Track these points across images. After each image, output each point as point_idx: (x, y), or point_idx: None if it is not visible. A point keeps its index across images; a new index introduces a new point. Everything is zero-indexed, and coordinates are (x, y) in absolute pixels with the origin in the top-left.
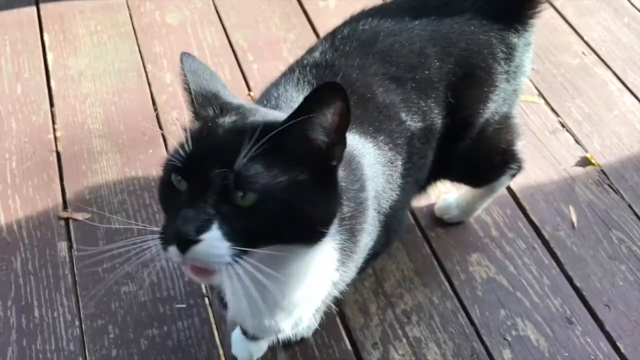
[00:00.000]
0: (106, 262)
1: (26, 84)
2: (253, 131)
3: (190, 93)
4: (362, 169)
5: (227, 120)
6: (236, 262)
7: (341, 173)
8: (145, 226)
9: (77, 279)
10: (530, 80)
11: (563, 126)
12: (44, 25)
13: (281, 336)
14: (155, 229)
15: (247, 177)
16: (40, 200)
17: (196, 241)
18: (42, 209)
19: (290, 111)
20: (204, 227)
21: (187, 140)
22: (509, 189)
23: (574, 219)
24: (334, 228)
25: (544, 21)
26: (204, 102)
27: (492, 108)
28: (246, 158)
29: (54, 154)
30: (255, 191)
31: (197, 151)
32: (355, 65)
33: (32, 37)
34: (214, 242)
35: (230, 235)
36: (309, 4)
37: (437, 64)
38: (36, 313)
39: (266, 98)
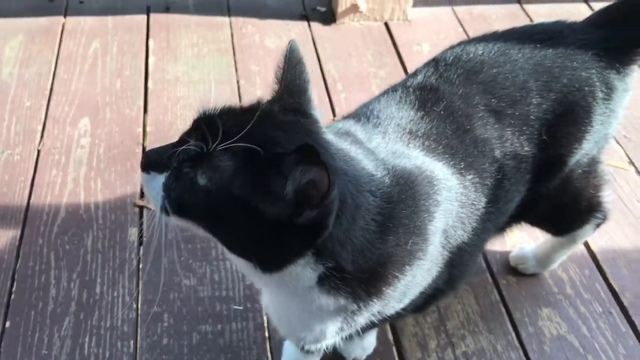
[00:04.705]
0: (170, 254)
1: (125, 81)
2: (248, 132)
3: (279, 83)
4: (431, 208)
5: (265, 116)
6: (163, 213)
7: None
8: None
9: (141, 264)
10: (622, 147)
11: None
12: (151, 32)
13: (306, 346)
14: None
15: (211, 164)
16: (119, 187)
17: (147, 171)
18: (120, 195)
19: (384, 129)
20: (157, 166)
21: (219, 106)
22: (589, 249)
23: None
24: (309, 277)
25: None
26: (282, 95)
27: (585, 149)
28: (221, 148)
29: (140, 147)
30: (208, 180)
31: (208, 118)
32: (459, 94)
33: (138, 41)
34: (154, 183)
35: (169, 191)
36: (403, 47)
37: (538, 99)
38: (97, 290)
39: (368, 109)
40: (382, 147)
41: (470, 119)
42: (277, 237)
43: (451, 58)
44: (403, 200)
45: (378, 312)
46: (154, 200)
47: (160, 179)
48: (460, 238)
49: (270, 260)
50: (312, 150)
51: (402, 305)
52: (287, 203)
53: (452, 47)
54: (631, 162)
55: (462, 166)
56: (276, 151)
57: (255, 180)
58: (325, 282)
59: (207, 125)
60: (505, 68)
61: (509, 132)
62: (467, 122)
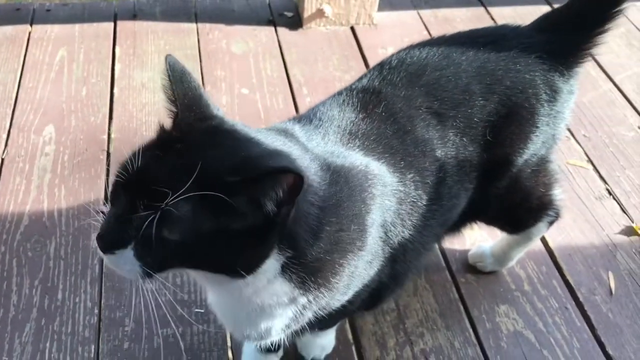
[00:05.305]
0: None
1: (91, 88)
2: (192, 173)
3: (172, 103)
4: (367, 200)
5: (187, 144)
6: (146, 278)
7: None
8: None
9: (104, 270)
10: (581, 146)
11: (610, 194)
12: (117, 39)
13: (253, 342)
14: None
15: (173, 219)
16: (83, 193)
17: (111, 252)
18: (83, 201)
19: (324, 130)
20: (119, 244)
21: (138, 154)
22: (546, 246)
23: (613, 285)
24: (274, 266)
25: (601, 93)
26: (182, 113)
27: (532, 149)
28: (178, 199)
29: (105, 153)
30: (176, 231)
31: (140, 174)
32: (402, 96)
33: (105, 48)
34: (124, 259)
35: (143, 258)
36: (369, 50)
37: (481, 102)
38: (59, 296)
39: (312, 112)
40: (321, 147)
41: (411, 121)
42: (255, 240)
43: (395, 62)
44: (338, 184)
45: (325, 306)
46: (132, 274)
47: (128, 252)
48: (401, 234)
49: (252, 262)
50: (283, 167)
51: (346, 298)
52: (267, 213)
53: (398, 52)
54: (590, 161)
55: (402, 165)
56: (226, 177)
57: (221, 210)
58: (287, 270)
59: (144, 184)
60: (448, 71)
61: (452, 134)
62: (409, 124)
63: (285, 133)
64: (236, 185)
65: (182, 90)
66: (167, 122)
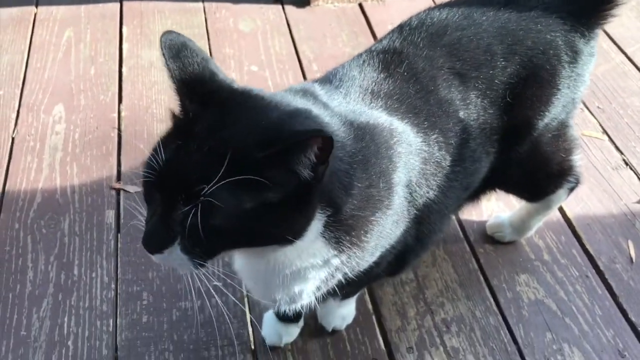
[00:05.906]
0: None
1: (99, 68)
2: (225, 154)
3: (174, 82)
4: (393, 157)
5: (205, 125)
6: (197, 268)
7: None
8: None
9: (119, 245)
10: (595, 118)
11: (627, 164)
12: (124, 19)
13: (281, 308)
14: None
15: (215, 206)
16: (96, 170)
17: (159, 252)
18: (96, 178)
19: (345, 90)
20: (166, 243)
21: (160, 148)
22: (564, 216)
23: (633, 253)
24: (317, 226)
25: (614, 65)
26: (188, 91)
27: (553, 112)
28: (215, 187)
29: (115, 131)
30: (220, 218)
31: (169, 169)
32: (423, 56)
33: (112, 28)
34: (174, 256)
35: (191, 250)
36: (378, 26)
37: (503, 63)
38: (75, 271)
39: (332, 74)
40: (343, 106)
41: (434, 81)
42: (299, 204)
43: (415, 22)
44: (363, 140)
45: (354, 267)
46: (184, 268)
47: (175, 249)
48: (425, 195)
49: (300, 226)
50: (309, 131)
51: (374, 259)
52: (304, 179)
53: (417, 13)
54: (605, 132)
55: (426, 125)
56: (256, 153)
57: (258, 185)
58: (327, 229)
59: (176, 178)
60: (470, 31)
61: (474, 95)
62: (431, 84)
63: (303, 92)
64: (268, 159)
65: (179, 66)
66: (176, 106)
